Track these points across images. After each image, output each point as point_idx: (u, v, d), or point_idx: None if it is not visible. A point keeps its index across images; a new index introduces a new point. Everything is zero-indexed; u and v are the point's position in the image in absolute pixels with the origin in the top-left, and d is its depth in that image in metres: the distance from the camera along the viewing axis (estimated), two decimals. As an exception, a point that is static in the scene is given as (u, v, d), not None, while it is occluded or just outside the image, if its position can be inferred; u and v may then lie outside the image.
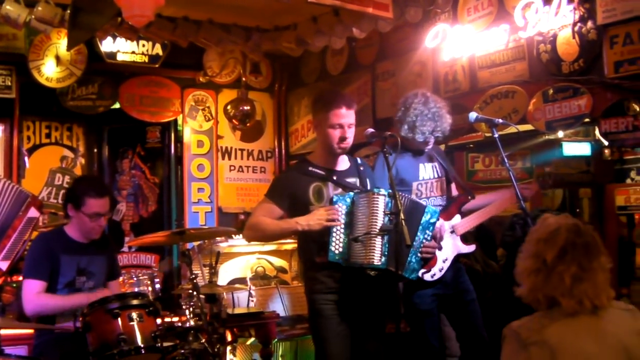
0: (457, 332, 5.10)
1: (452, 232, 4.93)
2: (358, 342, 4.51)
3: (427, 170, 5.02)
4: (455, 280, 4.97)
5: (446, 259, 4.87)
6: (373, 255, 4.22)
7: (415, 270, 4.48)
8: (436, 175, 5.05)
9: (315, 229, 4.34)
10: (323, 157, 4.62)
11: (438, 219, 4.64)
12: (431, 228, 4.57)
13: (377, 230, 4.22)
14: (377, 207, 4.27)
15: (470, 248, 5.04)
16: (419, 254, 4.52)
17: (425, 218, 4.54)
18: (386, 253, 4.24)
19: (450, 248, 4.90)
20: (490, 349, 4.90)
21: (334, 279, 4.41)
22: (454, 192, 5.24)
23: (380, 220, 4.24)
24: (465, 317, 4.99)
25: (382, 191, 4.31)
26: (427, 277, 4.78)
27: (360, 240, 4.26)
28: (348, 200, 4.39)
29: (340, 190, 4.52)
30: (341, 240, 4.34)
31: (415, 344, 4.95)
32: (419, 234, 4.50)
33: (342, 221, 4.36)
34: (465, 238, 5.01)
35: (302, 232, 4.45)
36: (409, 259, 4.42)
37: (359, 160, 4.77)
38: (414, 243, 4.44)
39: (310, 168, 4.57)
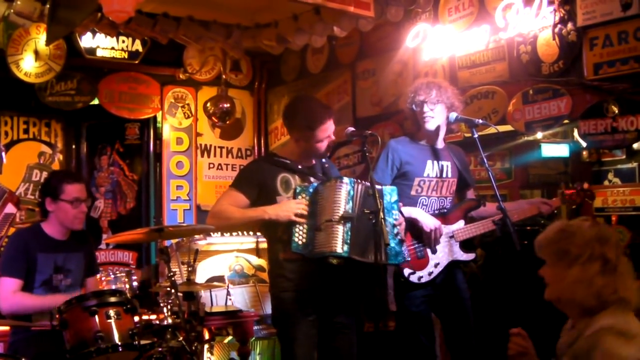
0: (445, 335, 5.04)
1: (452, 237, 4.86)
2: (328, 340, 4.48)
3: (434, 168, 4.91)
4: (448, 283, 4.87)
5: (438, 264, 4.79)
6: (335, 243, 4.12)
7: (399, 254, 4.33)
8: (444, 176, 4.94)
9: (282, 220, 4.29)
10: (296, 156, 4.58)
11: (397, 195, 4.47)
12: (395, 207, 4.43)
13: (338, 218, 4.16)
14: (339, 194, 4.20)
15: (469, 256, 4.91)
16: (395, 237, 4.37)
17: (387, 199, 4.39)
18: (348, 241, 4.14)
19: (445, 253, 4.82)
20: (477, 355, 4.87)
21: (301, 274, 4.35)
22: (470, 197, 5.15)
23: (342, 207, 4.18)
24: (453, 321, 4.91)
25: (345, 179, 4.26)
26: (414, 278, 4.72)
27: (322, 228, 4.20)
28: (311, 190, 4.35)
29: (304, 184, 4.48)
30: (305, 230, 4.27)
31: (405, 343, 4.87)
32: (386, 217, 4.31)
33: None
34: (466, 245, 4.91)
35: (267, 222, 4.41)
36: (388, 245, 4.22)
37: (323, 159, 4.74)
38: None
39: (276, 158, 4.56)
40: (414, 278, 4.73)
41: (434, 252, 4.79)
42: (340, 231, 4.15)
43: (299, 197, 4.33)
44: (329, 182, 4.34)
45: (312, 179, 4.50)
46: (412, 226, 4.74)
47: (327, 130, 4.46)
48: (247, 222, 4.64)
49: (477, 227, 4.89)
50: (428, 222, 4.77)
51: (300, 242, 4.25)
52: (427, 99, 4.84)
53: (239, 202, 4.45)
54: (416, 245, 4.80)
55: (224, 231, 6.55)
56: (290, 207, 4.29)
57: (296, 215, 4.26)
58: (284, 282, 4.40)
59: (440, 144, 5.01)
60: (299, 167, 4.53)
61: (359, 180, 4.30)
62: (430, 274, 4.77)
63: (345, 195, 4.21)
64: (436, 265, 4.78)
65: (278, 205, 4.35)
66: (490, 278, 6.59)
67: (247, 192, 4.46)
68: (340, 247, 4.12)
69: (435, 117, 4.87)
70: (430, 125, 4.88)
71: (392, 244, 4.26)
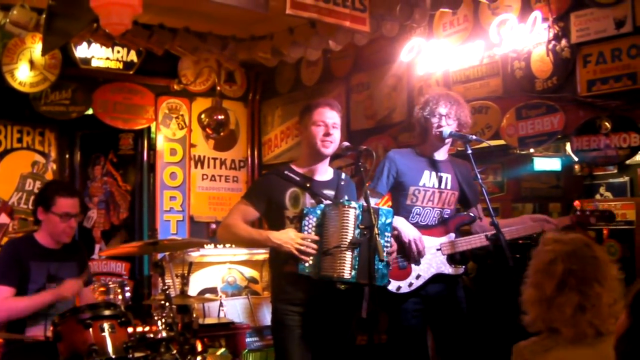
0: (437, 349, 4.95)
1: (439, 249, 4.77)
2: (322, 356, 4.47)
3: (432, 179, 4.81)
4: (442, 297, 4.77)
5: (420, 276, 4.70)
6: (343, 269, 4.16)
7: (385, 275, 4.29)
8: (443, 187, 4.83)
9: (284, 250, 4.28)
10: (307, 161, 4.58)
11: (393, 218, 4.42)
12: (388, 229, 4.37)
13: (347, 244, 4.18)
14: (347, 219, 4.21)
15: (457, 270, 4.81)
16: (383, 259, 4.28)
17: (381, 220, 4.34)
18: (356, 267, 4.17)
19: (429, 266, 4.73)
20: None
21: (302, 291, 4.35)
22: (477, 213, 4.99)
23: (350, 233, 4.20)
24: (446, 336, 4.83)
25: (353, 203, 4.27)
26: (392, 287, 4.63)
27: (330, 253, 4.22)
28: (319, 212, 4.34)
29: (312, 201, 4.47)
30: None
31: (396, 357, 4.77)
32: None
33: (313, 233, 4.30)
34: (454, 259, 4.82)
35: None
36: (376, 266, 4.22)
37: (342, 175, 4.70)
38: None
39: (287, 172, 4.55)
40: (392, 287, 4.64)
41: (417, 263, 4.72)
42: (349, 257, 4.18)
43: (306, 218, 4.33)
44: (336, 206, 4.33)
45: (320, 197, 4.49)
46: (396, 236, 4.65)
47: (322, 114, 4.52)
48: (252, 243, 4.85)
49: (469, 241, 4.80)
50: (408, 232, 4.69)
51: (307, 264, 4.26)
52: (449, 113, 4.76)
53: (249, 214, 4.52)
54: (398, 256, 4.70)
55: (232, 244, 6.62)
56: (294, 240, 4.27)
57: (298, 251, 4.24)
58: (283, 294, 4.42)
59: (442, 156, 4.92)
60: (308, 185, 4.50)
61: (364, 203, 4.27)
62: (410, 285, 4.68)
63: (353, 220, 4.23)
64: (417, 277, 4.70)
65: (283, 233, 4.33)
66: (482, 290, 6.60)
67: (255, 204, 4.50)
68: (348, 273, 4.17)
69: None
70: (441, 139, 4.78)
71: (380, 266, 4.26)
